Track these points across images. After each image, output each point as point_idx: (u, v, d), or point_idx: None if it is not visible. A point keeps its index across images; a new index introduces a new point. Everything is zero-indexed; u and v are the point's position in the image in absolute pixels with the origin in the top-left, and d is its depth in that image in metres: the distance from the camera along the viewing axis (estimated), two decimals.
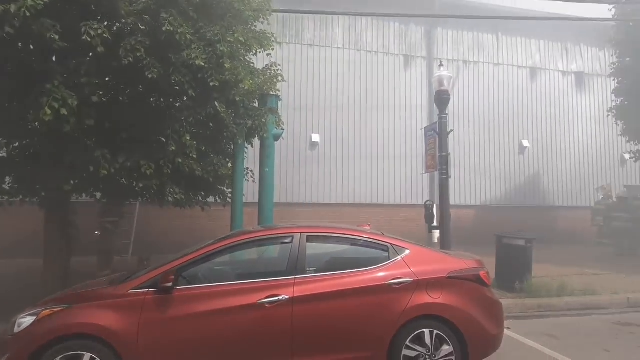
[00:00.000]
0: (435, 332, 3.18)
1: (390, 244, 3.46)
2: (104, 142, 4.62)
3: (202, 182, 5.47)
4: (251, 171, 6.50)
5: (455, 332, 3.20)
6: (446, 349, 3.18)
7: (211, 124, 5.29)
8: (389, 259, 3.37)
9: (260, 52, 6.15)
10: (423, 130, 7.50)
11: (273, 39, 5.96)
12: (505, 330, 4.17)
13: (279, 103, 6.05)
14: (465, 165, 12.70)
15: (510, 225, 10.37)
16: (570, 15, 10.46)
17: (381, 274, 3.25)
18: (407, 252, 3.43)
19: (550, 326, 4.99)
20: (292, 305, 3.02)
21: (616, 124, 11.37)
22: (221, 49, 4.48)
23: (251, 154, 7.70)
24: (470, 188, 12.78)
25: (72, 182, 4.79)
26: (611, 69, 11.01)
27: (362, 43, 12.54)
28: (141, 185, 4.95)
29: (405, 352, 3.12)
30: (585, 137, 13.99)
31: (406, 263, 3.35)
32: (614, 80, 11.03)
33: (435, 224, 6.63)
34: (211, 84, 4.57)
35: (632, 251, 10.25)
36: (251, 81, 5.12)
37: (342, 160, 12.07)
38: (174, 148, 4.63)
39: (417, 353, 3.14)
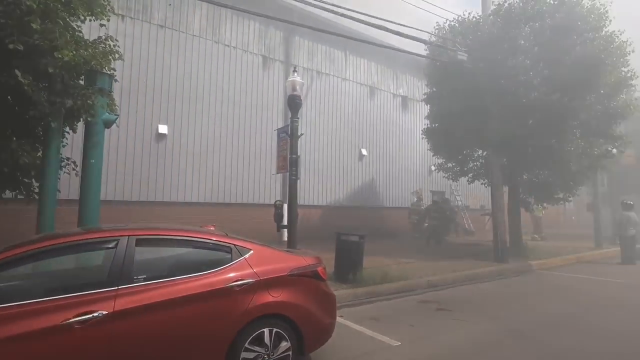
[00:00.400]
0: (275, 330, 3.22)
1: (234, 244, 3.35)
2: None
3: None
4: (73, 162, 5.35)
5: (294, 327, 3.32)
6: (284, 345, 3.26)
7: (10, 98, 4.07)
8: (232, 261, 3.25)
9: (91, 20, 5.15)
10: (276, 131, 7.66)
11: (109, 7, 5.07)
12: (339, 318, 4.61)
13: (114, 84, 5.16)
14: (313, 168, 13.66)
15: (350, 223, 11.70)
16: (398, 47, 12.56)
17: (222, 277, 3.10)
18: (251, 252, 3.38)
19: (374, 310, 5.77)
20: (111, 322, 2.56)
21: (427, 142, 14.17)
22: (28, 3, 3.51)
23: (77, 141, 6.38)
24: (316, 189, 13.79)
25: None
26: (424, 97, 13.53)
27: (221, 36, 12.06)
28: None
29: (243, 354, 3.06)
30: (407, 149, 16.99)
31: (249, 264, 3.29)
32: (427, 105, 13.60)
33: (284, 223, 6.84)
34: (10, 46, 3.54)
35: (438, 243, 12.85)
36: (74, 52, 4.19)
37: (194, 155, 11.31)
38: None
39: (256, 354, 3.12)
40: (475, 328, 4.99)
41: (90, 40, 5.16)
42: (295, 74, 6.90)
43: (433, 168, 17.04)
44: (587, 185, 12.85)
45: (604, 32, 9.49)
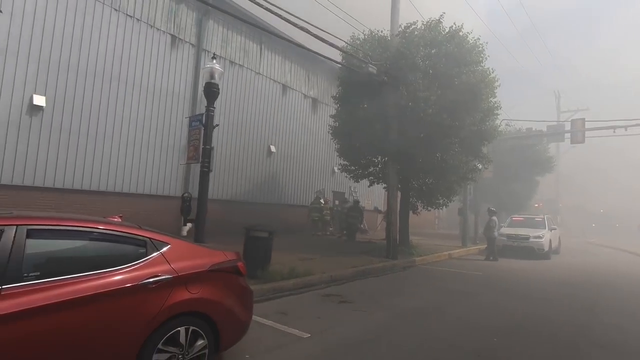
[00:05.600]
0: (191, 328, 3.07)
1: (149, 238, 3.08)
2: None
3: None
4: None
5: (211, 324, 3.21)
6: (200, 343, 3.13)
7: None
8: (147, 255, 2.99)
9: None
10: (188, 119, 7.18)
11: None
12: None
13: None
14: (220, 160, 13.09)
15: (253, 218, 11.55)
16: (312, 48, 12.90)
17: (136, 274, 2.83)
18: (168, 246, 3.15)
19: (282, 305, 5.89)
20: None
21: (334, 142, 14.80)
22: None
23: None
24: (221, 182, 13.28)
25: None
26: (334, 97, 13.97)
27: (122, 3, 10.68)
28: None
29: (155, 356, 2.84)
30: (312, 150, 17.57)
31: (166, 259, 3.07)
32: (336, 104, 13.96)
33: (191, 216, 6.47)
34: None
35: (341, 239, 13.60)
36: None
37: (80, 136, 9.78)
38: None
39: (170, 354, 2.93)
40: (372, 317, 5.53)
41: None
42: (214, 61, 6.59)
43: (336, 169, 18.05)
44: (459, 193, 15.18)
45: (480, 67, 11.41)
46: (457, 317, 5.74)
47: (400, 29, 11.52)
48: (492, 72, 11.55)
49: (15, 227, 2.43)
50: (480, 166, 13.24)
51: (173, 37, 11.92)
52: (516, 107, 36.11)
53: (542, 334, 5.13)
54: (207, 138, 6.33)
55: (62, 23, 9.50)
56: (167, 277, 2.97)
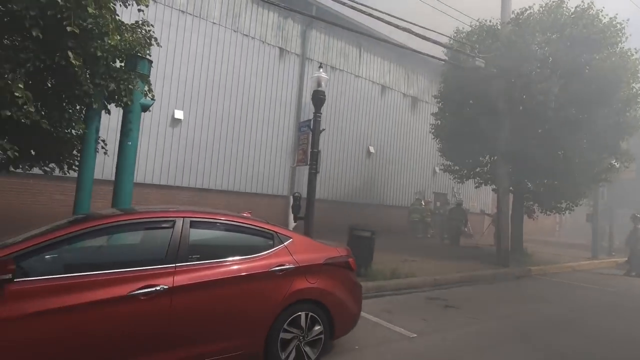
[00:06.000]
0: (310, 314, 3.43)
1: (275, 232, 3.55)
2: None
3: (45, 138, 4.30)
4: (102, 140, 5.47)
5: (326, 312, 3.53)
6: (317, 328, 3.48)
7: (52, 79, 4.17)
8: (274, 247, 3.45)
9: (130, 5, 5.27)
10: (298, 124, 7.81)
11: None
12: None
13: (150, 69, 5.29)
14: (322, 162, 13.75)
15: (354, 218, 11.90)
16: (412, 47, 12.62)
17: (266, 262, 3.30)
18: (290, 240, 3.58)
19: (386, 304, 6.00)
20: (171, 296, 2.76)
21: (435, 142, 14.20)
22: None
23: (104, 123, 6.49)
24: (323, 183, 13.94)
25: None
26: (436, 95, 13.42)
27: (240, 25, 12.12)
28: None
29: (282, 335, 3.27)
30: (412, 150, 17.15)
31: (289, 250, 3.49)
32: (439, 103, 13.13)
33: (301, 214, 7.03)
34: (68, 28, 3.67)
35: (443, 242, 13.10)
36: (119, 37, 4.33)
37: (207, 142, 11.43)
38: None
39: (293, 335, 3.34)
40: (484, 325, 5.24)
41: (129, 25, 5.28)
42: (321, 70, 7.05)
43: (437, 169, 17.31)
44: (588, 196, 13.12)
45: (618, 49, 9.70)
46: (583, 335, 5.07)
47: (512, 16, 10.51)
48: (636, 53, 9.72)
49: (182, 219, 3.09)
50: (617, 165, 11.22)
51: (281, 49, 13.01)
52: None
53: None
54: (315, 142, 6.81)
55: (195, 48, 11.22)
56: (290, 266, 3.39)
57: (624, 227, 14.02)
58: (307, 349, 3.40)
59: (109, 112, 5.21)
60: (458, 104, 11.36)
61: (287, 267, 3.37)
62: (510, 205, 11.36)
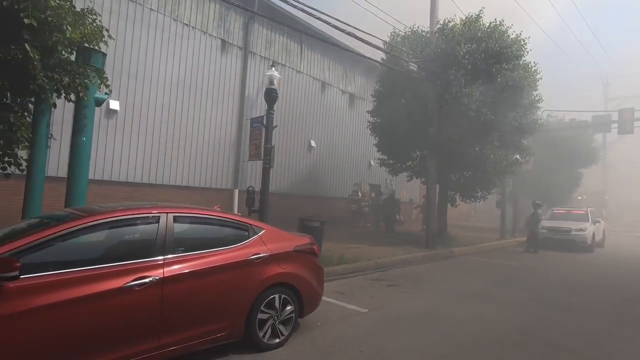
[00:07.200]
0: (283, 296, 3.86)
1: (250, 224, 3.88)
2: None
3: None
4: (51, 134, 5.18)
5: (296, 294, 3.99)
6: (289, 308, 3.92)
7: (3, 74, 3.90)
8: (249, 237, 3.79)
9: None
10: (249, 120, 8.03)
11: None
12: None
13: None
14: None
15: (299, 210, 12.39)
16: (351, 47, 13.40)
17: (244, 251, 3.64)
18: (263, 231, 3.94)
19: (337, 286, 6.63)
20: (162, 286, 2.98)
21: (372, 137, 15.24)
22: None
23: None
24: (272, 177, 14.17)
25: None
26: (372, 94, 14.44)
27: (180, 14, 11.71)
28: None
29: (259, 315, 3.65)
30: (350, 144, 18.14)
31: (263, 241, 3.86)
32: (375, 101, 14.10)
33: (254, 207, 7.32)
34: (26, 20, 3.54)
35: (379, 230, 14.19)
36: (79, 30, 4.21)
37: (146, 135, 10.95)
38: None
39: (269, 315, 3.73)
40: (422, 297, 6.15)
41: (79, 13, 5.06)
42: (273, 69, 7.34)
43: (372, 162, 18.54)
44: (498, 186, 15.26)
45: (522, 61, 11.48)
46: (504, 299, 6.22)
47: (438, 26, 11.77)
48: (535, 66, 11.59)
49: (166, 214, 3.28)
50: (520, 159, 13.30)
51: (223, 41, 12.85)
52: (559, 96, 34.70)
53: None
54: (268, 138, 7.12)
55: (132, 35, 10.62)
56: (265, 255, 3.76)
57: (525, 212, 16.61)
58: (281, 327, 3.83)
59: (55, 106, 4.97)
60: (392, 102, 12.43)
61: (263, 255, 3.74)
62: (437, 195, 12.81)
